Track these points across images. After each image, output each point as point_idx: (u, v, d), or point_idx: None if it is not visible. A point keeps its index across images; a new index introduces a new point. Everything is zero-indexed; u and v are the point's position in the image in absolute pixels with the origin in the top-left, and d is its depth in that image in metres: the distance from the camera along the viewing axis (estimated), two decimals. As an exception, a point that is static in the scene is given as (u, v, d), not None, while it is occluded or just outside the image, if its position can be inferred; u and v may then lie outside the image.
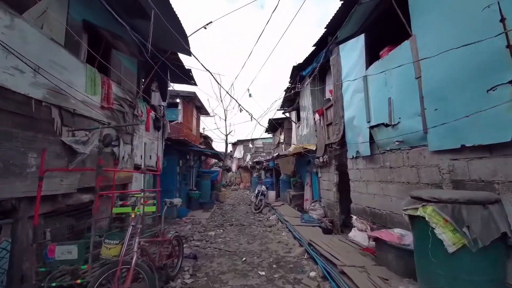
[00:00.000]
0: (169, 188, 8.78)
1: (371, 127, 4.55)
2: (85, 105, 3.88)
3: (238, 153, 25.66)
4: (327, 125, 7.08)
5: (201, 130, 20.16)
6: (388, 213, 4.31)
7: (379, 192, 4.56)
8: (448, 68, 2.98)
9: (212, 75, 6.07)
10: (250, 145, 23.71)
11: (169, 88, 7.83)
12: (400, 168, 3.99)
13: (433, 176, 3.34)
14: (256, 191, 10.98)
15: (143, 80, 6.26)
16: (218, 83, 16.77)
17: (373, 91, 4.54)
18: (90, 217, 3.55)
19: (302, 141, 10.88)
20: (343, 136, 5.74)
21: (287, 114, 13.70)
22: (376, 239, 3.67)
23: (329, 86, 7.72)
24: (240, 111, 6.80)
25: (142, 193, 3.49)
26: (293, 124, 12.78)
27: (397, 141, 3.90)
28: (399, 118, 3.86)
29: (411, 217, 2.62)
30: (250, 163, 22.54)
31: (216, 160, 18.27)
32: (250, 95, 8.13)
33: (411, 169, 3.74)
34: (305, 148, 8.24)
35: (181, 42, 4.93)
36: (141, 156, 5.93)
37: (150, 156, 6.58)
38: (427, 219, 2.36)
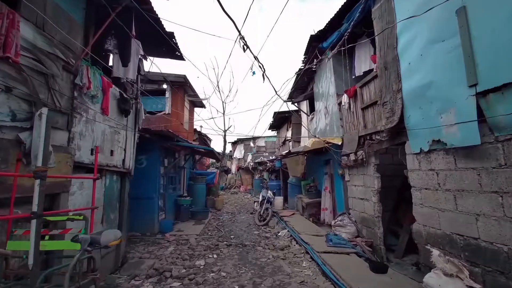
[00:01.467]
0: (147, 195, 6.76)
1: (481, 94, 2.52)
2: None
3: (238, 153, 23.63)
4: (364, 109, 5.07)
5: (198, 128, 18.16)
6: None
7: (492, 211, 2.54)
8: None
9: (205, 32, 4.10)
10: (252, 144, 21.70)
11: (144, 60, 5.82)
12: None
13: None
14: (261, 198, 8.95)
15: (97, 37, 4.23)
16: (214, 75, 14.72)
17: (484, 28, 2.52)
18: None
19: (316, 136, 8.86)
20: (401, 119, 3.71)
21: (295, 106, 11.71)
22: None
23: (361, 58, 5.72)
24: (263, 79, 5.18)
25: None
26: (304, 118, 10.78)
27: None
28: None
29: None
30: (252, 163, 20.51)
31: (214, 161, 16.24)
32: (253, 73, 6.17)
33: None
34: (329, 143, 6.21)
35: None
36: (92, 150, 3.92)
37: (112, 151, 4.57)
38: None
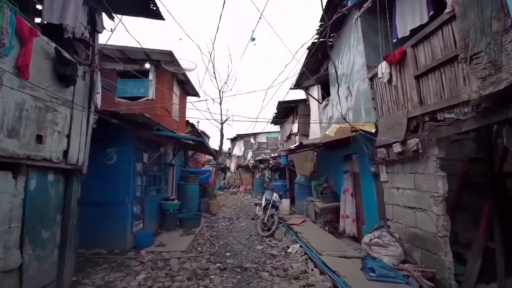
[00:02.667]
0: (117, 200, 5.18)
1: None
2: None
3: (238, 150, 22.02)
4: (419, 77, 3.46)
5: (197, 124, 16.55)
6: None
7: None
8: None
9: None
10: (252, 140, 20.08)
11: (110, 19, 4.21)
12: None
13: None
14: (264, 202, 7.37)
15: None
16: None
17: None
18: None
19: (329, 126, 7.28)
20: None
21: (305, 93, 10.14)
22: None
23: (406, 12, 4.11)
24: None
25: None
26: (314, 106, 9.19)
27: None
28: None
29: None
30: (252, 161, 18.93)
31: (211, 158, 14.67)
32: (253, 40, 4.66)
33: None
34: (354, 130, 4.60)
35: None
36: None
37: (41, 136, 2.98)
38: None
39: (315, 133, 9.04)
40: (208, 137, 21.16)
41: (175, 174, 8.81)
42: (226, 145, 27.58)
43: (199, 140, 5.87)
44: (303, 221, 7.08)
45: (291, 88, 10.13)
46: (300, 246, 5.20)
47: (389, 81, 4.15)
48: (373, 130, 4.47)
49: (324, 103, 7.67)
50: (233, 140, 23.60)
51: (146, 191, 6.21)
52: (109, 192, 5.11)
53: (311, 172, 9.60)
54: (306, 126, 10.63)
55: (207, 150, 7.91)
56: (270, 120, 13.43)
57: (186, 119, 10.80)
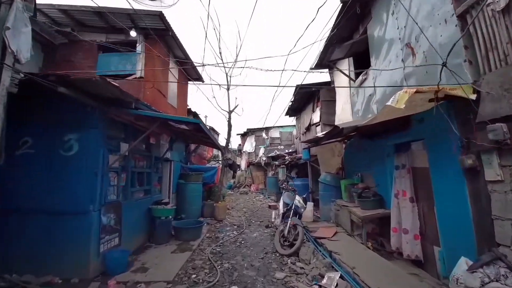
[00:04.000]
0: (75, 208, 3.65)
1: None
2: None
3: (249, 146, 20.39)
4: None
5: (203, 119, 15.03)
6: None
7: None
8: None
9: None
10: (264, 135, 18.39)
11: None
12: None
13: None
14: (282, 206, 5.66)
15: None
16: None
17: None
18: None
19: (368, 112, 5.51)
20: None
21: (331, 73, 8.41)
22: None
23: None
24: None
25: None
26: (342, 88, 7.40)
27: None
28: None
29: None
30: (264, 158, 17.26)
31: (218, 153, 13.11)
32: None
33: None
34: (435, 98, 2.81)
35: None
36: None
37: None
38: None
39: (343, 120, 7.25)
40: (218, 134, 19.65)
41: (172, 171, 7.27)
42: (236, 141, 25.96)
43: (193, 122, 4.23)
44: (335, 233, 5.34)
45: (311, 69, 8.38)
46: (342, 278, 3.49)
47: (508, 7, 2.36)
48: (474, 96, 2.68)
49: (361, 77, 5.86)
50: (244, 135, 21.98)
51: (126, 193, 4.67)
52: (65, 196, 3.59)
53: (338, 169, 7.84)
54: (330, 114, 8.84)
55: (209, 140, 6.30)
56: (283, 112, 11.70)
57: (188, 108, 9.25)
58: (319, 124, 9.40)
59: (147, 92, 5.88)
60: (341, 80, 7.58)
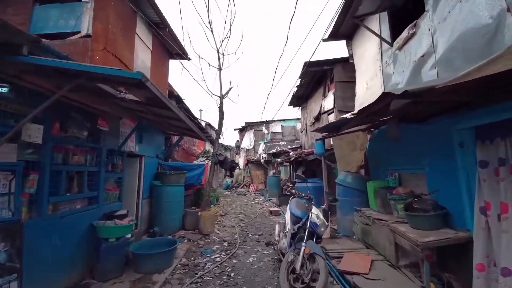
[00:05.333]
0: None
1: None
2: None
3: (248, 142, 18.58)
4: None
5: (203, 121, 13.16)
6: None
7: None
8: None
9: None
10: (264, 130, 16.59)
11: None
12: None
13: None
14: (289, 221, 3.81)
15: None
16: None
17: None
18: None
19: (416, 82, 3.73)
20: None
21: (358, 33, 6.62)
22: None
23: None
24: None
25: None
26: (368, 60, 5.61)
27: None
28: None
29: None
30: (265, 155, 15.47)
31: (210, 149, 11.30)
32: None
33: None
34: None
35: None
36: None
37: None
38: None
39: (367, 103, 5.46)
40: (215, 130, 17.84)
41: (143, 170, 5.49)
42: (234, 138, 24.15)
43: (129, 76, 2.43)
44: (371, 264, 3.55)
45: (323, 40, 6.57)
46: None
47: None
48: None
49: (405, 33, 4.02)
50: (242, 130, 20.17)
51: (42, 205, 2.88)
52: None
53: (358, 167, 6.07)
54: (347, 99, 7.05)
55: (184, 125, 4.51)
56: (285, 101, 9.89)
57: (169, 90, 7.45)
58: (332, 112, 7.59)
59: (96, 56, 4.08)
60: (365, 51, 5.78)
